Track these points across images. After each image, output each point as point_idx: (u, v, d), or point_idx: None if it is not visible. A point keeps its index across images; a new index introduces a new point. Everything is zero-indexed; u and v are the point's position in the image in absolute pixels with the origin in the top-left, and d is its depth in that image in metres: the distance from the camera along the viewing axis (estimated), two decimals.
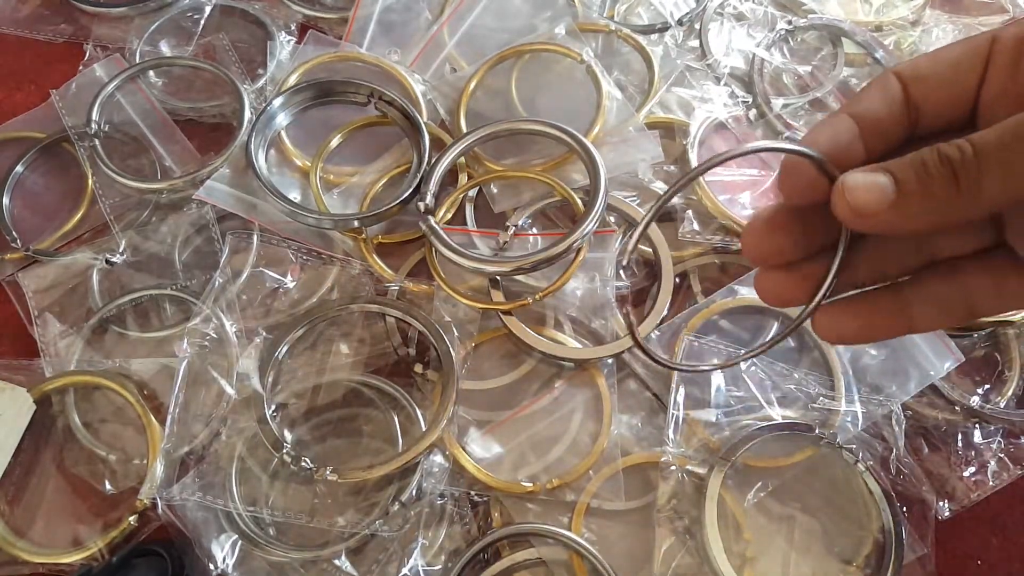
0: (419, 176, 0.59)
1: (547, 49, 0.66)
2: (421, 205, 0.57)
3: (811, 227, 0.32)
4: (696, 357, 0.55)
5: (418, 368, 0.55)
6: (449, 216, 0.61)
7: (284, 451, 0.50)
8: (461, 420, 0.54)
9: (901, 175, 0.28)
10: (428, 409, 0.54)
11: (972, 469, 0.54)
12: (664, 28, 0.71)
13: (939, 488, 0.53)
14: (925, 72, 0.31)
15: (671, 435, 0.52)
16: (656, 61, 0.67)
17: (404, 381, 0.55)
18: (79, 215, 0.63)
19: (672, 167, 0.64)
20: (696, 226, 0.61)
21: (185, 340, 0.54)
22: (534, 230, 0.61)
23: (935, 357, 0.55)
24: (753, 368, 0.55)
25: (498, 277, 0.56)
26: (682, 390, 0.54)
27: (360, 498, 0.51)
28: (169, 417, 0.52)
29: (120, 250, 0.60)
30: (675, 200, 0.62)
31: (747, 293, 0.57)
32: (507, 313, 0.56)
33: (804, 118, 0.68)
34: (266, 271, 0.59)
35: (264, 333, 0.55)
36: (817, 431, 0.52)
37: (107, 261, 0.59)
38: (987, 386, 0.57)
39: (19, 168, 0.65)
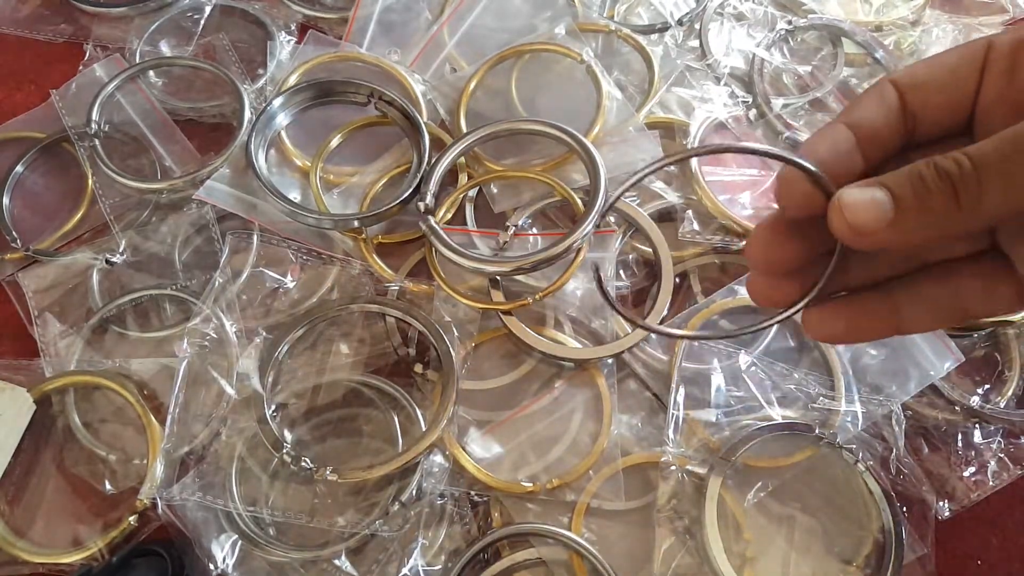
0: (419, 176, 0.59)
1: (547, 49, 0.67)
2: (421, 205, 0.57)
3: (812, 235, 0.32)
4: (696, 357, 0.55)
5: (418, 368, 0.55)
6: (449, 216, 0.61)
7: (284, 451, 0.50)
8: (461, 420, 0.54)
9: (898, 191, 0.28)
10: (428, 409, 0.54)
11: (972, 469, 0.54)
12: (664, 28, 0.71)
13: (939, 488, 0.53)
14: (922, 79, 0.31)
15: (671, 435, 0.52)
16: (656, 61, 0.67)
17: (404, 381, 0.55)
18: (79, 215, 0.63)
19: (672, 167, 0.64)
20: (696, 226, 0.61)
21: (185, 340, 0.54)
22: (534, 230, 0.61)
23: (935, 357, 0.55)
24: (753, 368, 0.55)
25: (498, 277, 0.56)
26: (682, 390, 0.54)
27: (360, 498, 0.51)
28: (169, 417, 0.52)
29: (120, 250, 0.60)
30: (675, 200, 0.62)
31: (747, 293, 0.57)
32: (507, 313, 0.56)
33: (804, 118, 0.68)
34: (266, 271, 0.59)
35: (264, 333, 0.55)
36: (817, 431, 0.52)
37: (107, 261, 0.59)
38: (987, 386, 0.57)
39: (19, 168, 0.65)
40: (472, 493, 0.52)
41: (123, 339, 0.58)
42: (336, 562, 0.49)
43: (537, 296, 0.55)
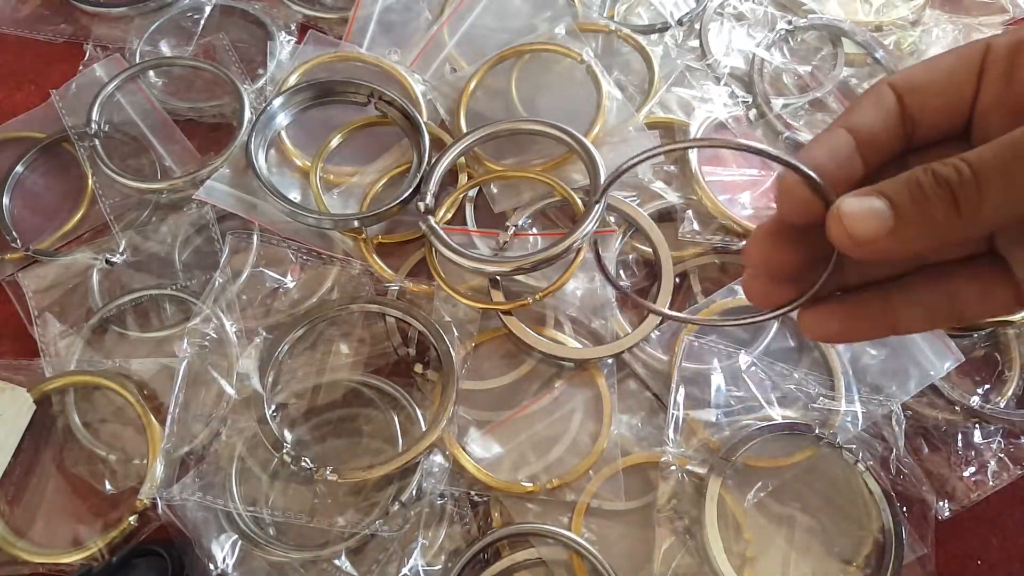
0: (419, 176, 0.59)
1: (547, 49, 0.67)
2: (421, 205, 0.57)
3: (811, 241, 0.32)
4: (696, 357, 0.55)
5: (418, 368, 0.55)
6: (449, 216, 0.61)
7: (284, 451, 0.50)
8: (461, 420, 0.54)
9: (897, 199, 0.27)
10: (428, 409, 0.54)
11: (972, 469, 0.54)
12: (664, 28, 0.71)
13: (939, 488, 0.53)
14: (920, 82, 0.31)
15: (671, 435, 0.52)
16: (656, 61, 0.67)
17: (404, 381, 0.55)
18: (79, 215, 0.63)
19: (672, 167, 0.64)
20: (696, 226, 0.61)
21: (185, 340, 0.54)
22: (534, 230, 0.61)
23: (935, 357, 0.55)
24: (753, 368, 0.55)
25: (498, 277, 0.56)
26: (682, 390, 0.54)
27: (360, 498, 0.51)
28: (169, 417, 0.52)
29: (120, 250, 0.60)
30: (675, 200, 0.62)
31: (743, 294, 0.57)
32: (507, 313, 0.56)
33: (804, 118, 0.68)
34: (266, 271, 0.59)
35: (264, 333, 0.56)
36: (817, 431, 0.52)
37: (107, 261, 0.59)
38: (987, 386, 0.57)
39: (19, 168, 0.65)
40: (472, 493, 0.52)
41: (123, 339, 0.58)
42: (336, 562, 0.49)
43: (537, 296, 0.55)
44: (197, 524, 0.49)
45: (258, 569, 0.49)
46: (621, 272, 0.61)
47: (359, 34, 0.70)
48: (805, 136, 0.66)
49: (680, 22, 0.72)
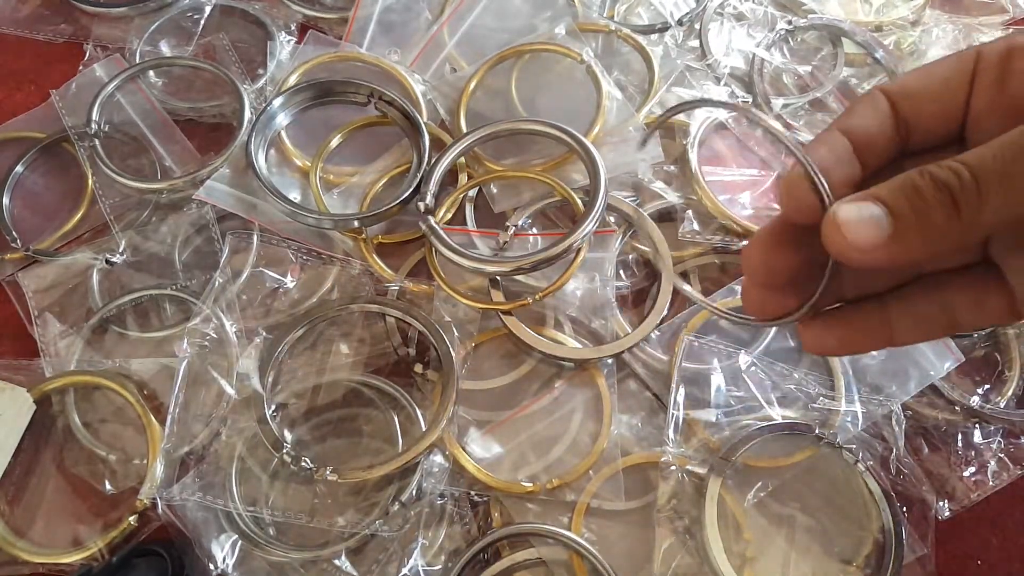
0: (419, 176, 0.59)
1: (547, 49, 0.67)
2: (421, 205, 0.57)
3: (811, 245, 0.31)
4: (696, 357, 0.55)
5: (418, 368, 0.55)
6: (449, 216, 0.61)
7: (284, 451, 0.50)
8: (461, 420, 0.54)
9: (895, 205, 0.27)
10: (428, 409, 0.54)
11: (972, 469, 0.54)
12: (664, 28, 0.71)
13: (939, 488, 0.53)
14: (912, 88, 0.31)
15: (671, 435, 0.52)
16: (656, 61, 0.67)
17: (404, 381, 0.55)
18: (79, 215, 0.63)
19: (672, 167, 0.64)
20: (696, 226, 0.61)
21: (185, 340, 0.54)
22: (534, 230, 0.61)
23: (935, 357, 0.55)
24: (753, 368, 0.55)
25: (498, 277, 0.56)
26: (682, 390, 0.54)
27: (360, 498, 0.51)
28: (169, 417, 0.52)
29: (120, 250, 0.60)
30: (675, 200, 0.62)
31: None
32: (507, 313, 0.56)
33: (804, 118, 0.68)
34: (266, 271, 0.59)
35: (264, 333, 0.55)
36: (817, 431, 0.52)
37: (107, 261, 0.59)
38: (987, 386, 0.57)
39: (19, 168, 0.65)
40: (472, 493, 0.52)
41: (123, 339, 0.58)
42: (336, 562, 0.49)
43: (537, 296, 0.55)
44: (197, 524, 0.49)
45: (258, 569, 0.49)
46: (621, 272, 0.61)
47: (359, 34, 0.70)
48: (805, 136, 0.66)
49: (680, 22, 0.72)
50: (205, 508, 0.50)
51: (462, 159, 0.62)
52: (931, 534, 0.50)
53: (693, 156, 0.63)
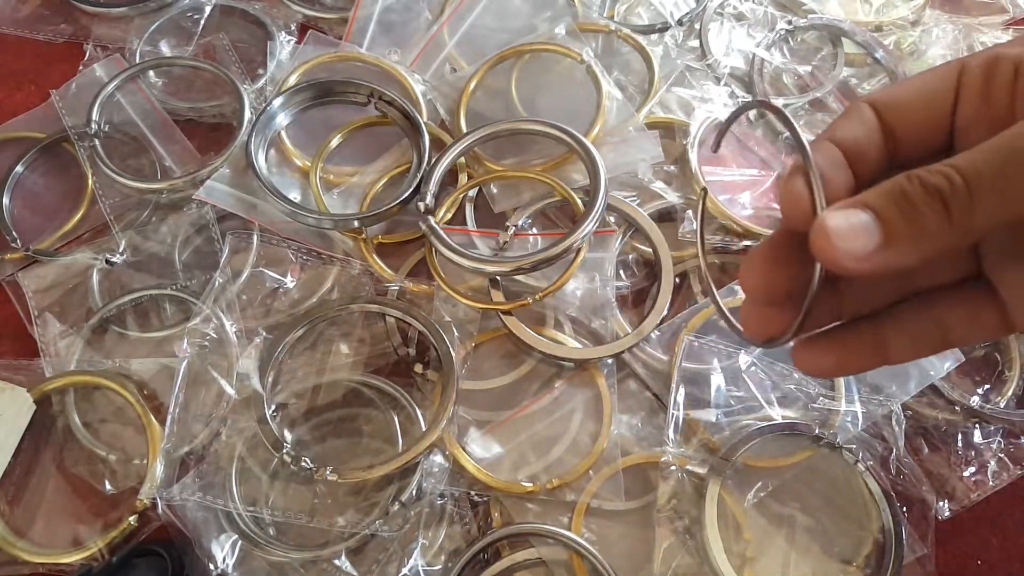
0: (419, 176, 0.59)
1: (547, 49, 0.67)
2: (421, 205, 0.57)
3: (809, 259, 0.30)
4: (696, 357, 0.55)
5: (418, 368, 0.55)
6: (449, 216, 0.61)
7: (284, 451, 0.50)
8: (461, 420, 0.54)
9: (885, 212, 0.26)
10: (428, 409, 0.54)
11: (972, 469, 0.54)
12: (664, 28, 0.71)
13: (939, 488, 0.53)
14: (898, 100, 0.31)
15: (671, 435, 0.52)
16: (656, 61, 0.67)
17: (404, 381, 0.55)
18: (79, 215, 0.63)
19: (672, 167, 0.64)
20: (696, 224, 0.61)
21: (185, 340, 0.54)
22: (534, 230, 0.61)
23: (935, 357, 0.55)
24: (753, 368, 0.55)
25: (498, 277, 0.56)
26: (682, 390, 0.54)
27: (360, 498, 0.51)
28: (169, 417, 0.52)
29: (120, 250, 0.60)
30: (675, 200, 0.62)
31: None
32: (507, 313, 0.56)
33: (804, 118, 0.68)
34: (266, 271, 0.59)
35: (264, 333, 0.55)
36: (817, 431, 0.52)
37: (107, 261, 0.59)
38: (987, 386, 0.57)
39: (19, 168, 0.65)
40: (472, 493, 0.52)
41: (123, 339, 0.58)
42: (336, 562, 0.49)
43: (537, 296, 0.55)
44: (197, 524, 0.49)
45: (258, 569, 0.49)
46: (621, 272, 0.61)
47: (359, 34, 0.70)
48: (806, 136, 0.66)
49: (680, 22, 0.72)
50: (205, 508, 0.50)
51: (462, 159, 0.62)
52: (931, 534, 0.50)
53: (693, 156, 0.63)
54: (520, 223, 0.59)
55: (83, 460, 0.54)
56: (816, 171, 0.28)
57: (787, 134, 0.66)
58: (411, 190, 0.58)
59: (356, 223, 0.59)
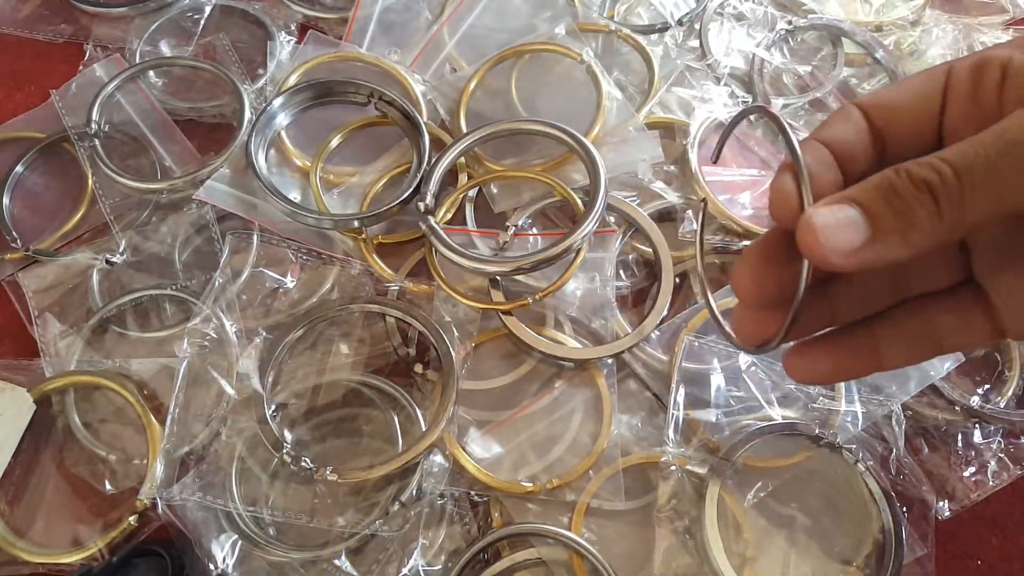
0: (419, 176, 0.59)
1: (547, 49, 0.67)
2: (421, 205, 0.57)
3: (798, 258, 0.29)
4: (696, 357, 0.55)
5: (418, 368, 0.55)
6: (449, 216, 0.61)
7: (284, 451, 0.50)
8: (461, 420, 0.54)
9: (872, 207, 0.26)
10: (428, 409, 0.54)
11: (972, 469, 0.54)
12: (664, 28, 0.71)
13: (939, 488, 0.53)
14: (886, 101, 0.31)
15: (671, 435, 0.52)
16: (656, 61, 0.67)
17: (404, 381, 0.55)
18: (79, 215, 0.63)
19: (672, 167, 0.64)
20: (696, 226, 0.61)
21: (185, 340, 0.54)
22: (534, 230, 0.61)
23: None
24: (753, 368, 0.55)
25: (498, 277, 0.56)
26: (682, 390, 0.54)
27: (360, 498, 0.51)
28: (169, 417, 0.52)
29: (120, 250, 0.60)
30: (675, 200, 0.62)
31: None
32: (507, 313, 0.56)
33: (804, 118, 0.68)
34: (266, 271, 0.59)
35: (264, 333, 0.55)
36: (817, 431, 0.52)
37: (107, 261, 0.59)
38: (987, 386, 0.57)
39: (19, 168, 0.65)
40: (472, 493, 0.52)
41: (123, 339, 0.58)
42: (336, 562, 0.49)
43: (537, 296, 0.55)
44: (197, 524, 0.49)
45: (258, 569, 0.49)
46: (621, 272, 0.61)
47: (359, 34, 0.70)
48: (805, 137, 0.66)
49: (680, 22, 0.72)
50: (205, 508, 0.50)
51: (462, 159, 0.62)
52: (931, 534, 0.50)
53: (693, 156, 0.63)
54: (520, 223, 0.59)
55: (83, 460, 0.54)
56: (804, 168, 0.28)
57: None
58: (411, 190, 0.58)
59: (356, 223, 0.59)
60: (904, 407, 0.54)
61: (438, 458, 0.52)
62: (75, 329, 0.57)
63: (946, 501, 0.53)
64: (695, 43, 0.72)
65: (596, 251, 0.59)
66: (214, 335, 0.55)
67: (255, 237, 0.59)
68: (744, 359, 0.55)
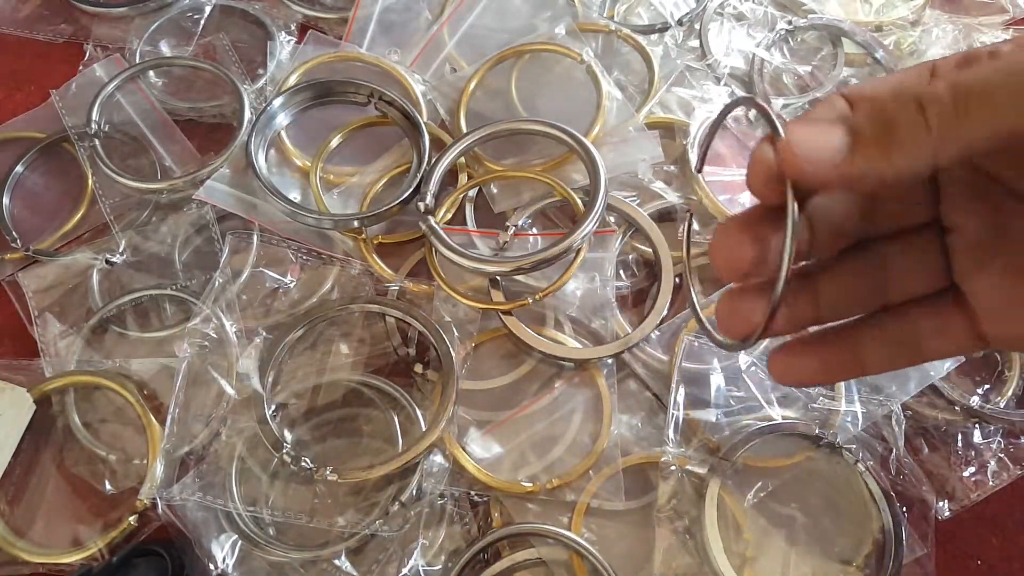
0: (419, 176, 0.59)
1: (547, 49, 0.67)
2: (421, 205, 0.57)
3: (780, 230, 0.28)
4: (696, 357, 0.55)
5: (418, 368, 0.55)
6: (449, 216, 0.61)
7: (284, 451, 0.50)
8: (461, 420, 0.54)
9: (854, 121, 0.24)
10: (428, 409, 0.54)
11: (972, 469, 0.54)
12: (664, 28, 0.71)
13: (939, 488, 0.53)
14: (867, 93, 0.30)
15: (671, 435, 0.52)
16: (656, 61, 0.67)
17: (404, 381, 0.55)
18: (79, 215, 0.63)
19: (672, 167, 0.64)
20: (696, 226, 0.61)
21: (185, 340, 0.54)
22: (534, 230, 0.61)
23: None
24: (753, 368, 0.55)
25: (498, 277, 0.56)
26: (682, 390, 0.54)
27: (360, 498, 0.51)
28: (169, 417, 0.52)
29: (120, 250, 0.60)
30: (675, 200, 0.62)
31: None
32: (507, 313, 0.56)
33: None
34: (266, 271, 0.59)
35: (264, 333, 0.55)
36: (817, 431, 0.52)
37: (107, 261, 0.59)
38: (987, 386, 0.57)
39: (19, 168, 0.65)
40: (472, 493, 0.52)
41: (123, 339, 0.58)
42: (336, 562, 0.49)
43: (537, 296, 0.55)
44: (197, 524, 0.49)
45: (258, 569, 0.49)
46: (621, 272, 0.61)
47: (359, 34, 0.70)
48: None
49: (680, 22, 0.72)
50: (205, 508, 0.50)
51: (462, 159, 0.62)
52: (931, 534, 0.50)
53: (693, 156, 0.63)
54: (520, 223, 0.59)
55: (83, 460, 0.54)
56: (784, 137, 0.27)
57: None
58: (411, 190, 0.58)
59: (356, 223, 0.59)
60: (904, 407, 0.54)
61: (438, 458, 0.52)
62: (75, 329, 0.57)
63: (946, 501, 0.53)
64: (695, 43, 0.72)
65: (596, 251, 0.59)
66: (214, 335, 0.55)
67: (255, 237, 0.59)
68: (744, 359, 0.55)
